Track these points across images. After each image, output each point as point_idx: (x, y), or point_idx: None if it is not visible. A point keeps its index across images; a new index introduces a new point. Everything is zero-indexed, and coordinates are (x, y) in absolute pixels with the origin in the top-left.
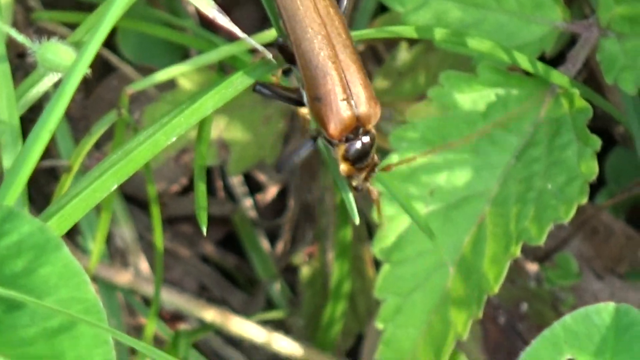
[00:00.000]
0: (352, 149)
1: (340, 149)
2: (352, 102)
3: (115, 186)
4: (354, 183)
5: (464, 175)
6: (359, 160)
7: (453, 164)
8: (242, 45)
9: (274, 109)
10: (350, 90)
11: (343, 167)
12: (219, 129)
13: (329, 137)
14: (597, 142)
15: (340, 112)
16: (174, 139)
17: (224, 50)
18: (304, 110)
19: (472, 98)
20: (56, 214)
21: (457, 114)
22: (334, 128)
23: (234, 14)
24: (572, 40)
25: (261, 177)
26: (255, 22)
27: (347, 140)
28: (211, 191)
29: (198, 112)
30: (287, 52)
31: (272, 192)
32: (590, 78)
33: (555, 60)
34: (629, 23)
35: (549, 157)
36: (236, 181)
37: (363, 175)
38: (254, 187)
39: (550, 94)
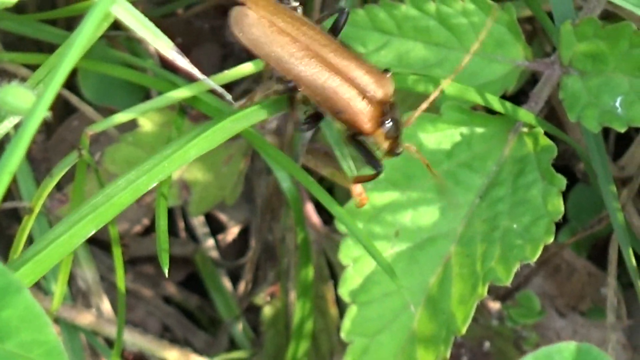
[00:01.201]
0: (389, 129)
1: (380, 136)
2: (369, 94)
3: (93, 232)
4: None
5: (429, 215)
6: (395, 131)
7: (418, 204)
8: (202, 85)
9: (235, 149)
10: (360, 86)
11: (385, 147)
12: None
13: (367, 135)
14: (562, 181)
15: (365, 110)
16: (155, 184)
17: (185, 91)
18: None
19: (437, 138)
20: (33, 258)
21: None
22: (369, 126)
23: (194, 53)
24: (533, 78)
25: (222, 217)
26: (216, 61)
27: (382, 124)
28: (173, 232)
29: (182, 158)
30: (292, 89)
31: (233, 232)
32: (551, 115)
33: (515, 98)
34: (592, 60)
35: (513, 196)
36: (198, 222)
37: (396, 144)
38: (215, 227)
39: (513, 132)
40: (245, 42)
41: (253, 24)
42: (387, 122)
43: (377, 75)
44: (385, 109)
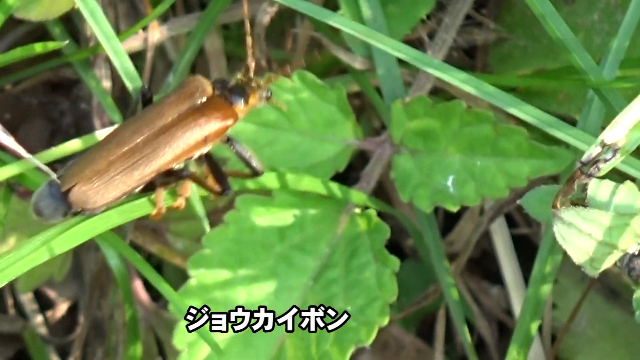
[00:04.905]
0: (235, 98)
1: (239, 109)
2: (200, 104)
3: None
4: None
5: (263, 298)
6: (242, 90)
7: (251, 287)
8: (29, 163)
9: None
10: (190, 109)
11: (255, 103)
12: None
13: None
14: (395, 263)
15: (215, 116)
16: None
17: (12, 169)
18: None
19: (269, 221)
20: None
21: (254, 237)
22: (230, 117)
23: (23, 129)
24: (365, 155)
25: (51, 293)
26: (45, 137)
27: (232, 103)
28: (2, 308)
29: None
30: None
31: (62, 308)
32: (380, 190)
33: (347, 173)
34: (423, 139)
35: (347, 278)
36: (26, 298)
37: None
38: (44, 303)
39: (345, 213)
40: (103, 205)
41: (87, 192)
42: (230, 96)
43: (184, 88)
44: (216, 92)
